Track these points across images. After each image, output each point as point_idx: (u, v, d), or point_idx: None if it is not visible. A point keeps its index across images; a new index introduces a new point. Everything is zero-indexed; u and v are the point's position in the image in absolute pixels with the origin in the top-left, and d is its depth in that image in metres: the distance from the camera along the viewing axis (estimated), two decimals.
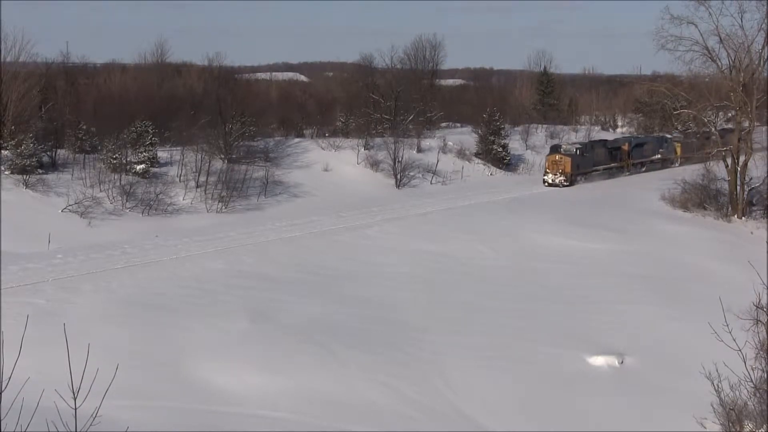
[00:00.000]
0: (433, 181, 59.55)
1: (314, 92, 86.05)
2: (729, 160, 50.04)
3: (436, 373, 23.34)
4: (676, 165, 68.86)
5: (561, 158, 58.94)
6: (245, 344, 24.10)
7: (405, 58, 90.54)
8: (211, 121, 54.87)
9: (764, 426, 14.54)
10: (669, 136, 73.00)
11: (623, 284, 32.89)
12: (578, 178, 59.60)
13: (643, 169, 67.11)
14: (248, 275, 31.76)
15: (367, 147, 61.77)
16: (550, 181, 58.47)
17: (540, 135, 78.83)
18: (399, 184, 57.42)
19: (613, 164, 64.34)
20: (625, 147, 65.97)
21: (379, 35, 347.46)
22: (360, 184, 55.64)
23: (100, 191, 43.35)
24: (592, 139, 70.51)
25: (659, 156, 69.32)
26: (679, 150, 70.85)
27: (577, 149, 60.35)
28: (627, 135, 75.55)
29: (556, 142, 72.90)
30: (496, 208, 48.02)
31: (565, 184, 58.03)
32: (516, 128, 77.69)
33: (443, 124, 78.68)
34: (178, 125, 55.62)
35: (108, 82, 71.57)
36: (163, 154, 51.55)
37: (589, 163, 61.11)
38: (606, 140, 68.15)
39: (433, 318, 27.65)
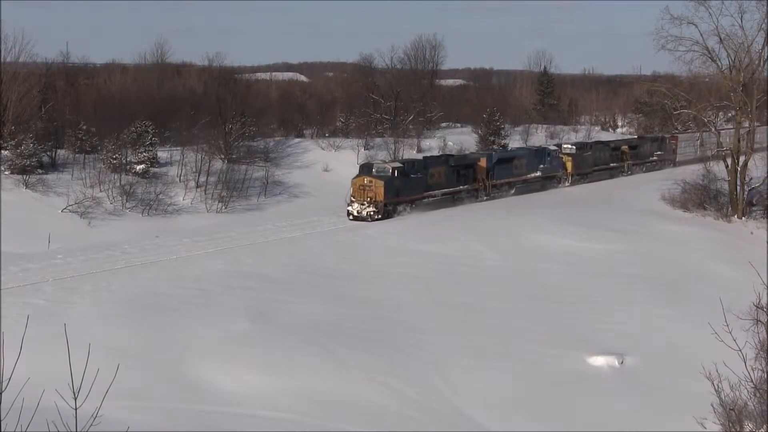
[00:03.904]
0: None
1: (314, 92, 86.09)
2: (729, 160, 50.02)
3: (436, 373, 23.33)
4: (567, 184, 57.90)
5: (371, 182, 43.74)
6: (245, 344, 24.09)
7: (405, 58, 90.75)
8: (211, 121, 54.95)
9: (764, 426, 14.54)
10: (553, 148, 59.13)
11: (623, 284, 32.87)
12: (398, 207, 44.70)
13: (512, 191, 53.20)
14: (248, 275, 31.73)
15: (367, 147, 61.82)
16: (355, 213, 43.28)
17: (540, 135, 78.91)
18: None
19: (461, 186, 49.36)
20: (482, 163, 51.01)
21: (379, 35, 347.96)
22: None
23: (100, 191, 43.38)
24: (430, 155, 55.03)
25: (539, 174, 55.83)
26: (569, 165, 58.33)
27: (394, 169, 44.67)
28: (490, 148, 61.25)
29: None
30: (496, 208, 47.98)
31: (376, 216, 43.06)
32: (516, 128, 77.77)
33: (443, 124, 78.78)
34: (178, 125, 55.69)
35: (108, 83, 71.63)
36: (163, 154, 51.60)
37: (417, 187, 46.06)
38: (450, 155, 52.86)
39: (433, 318, 27.64)
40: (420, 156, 55.88)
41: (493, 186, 51.38)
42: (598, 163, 61.89)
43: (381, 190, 43.59)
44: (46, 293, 27.94)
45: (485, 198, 50.62)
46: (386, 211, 43.73)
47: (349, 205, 43.92)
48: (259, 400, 20.99)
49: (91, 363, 7.71)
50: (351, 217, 43.34)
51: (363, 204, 43.38)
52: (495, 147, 62.93)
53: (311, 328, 25.77)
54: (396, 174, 44.50)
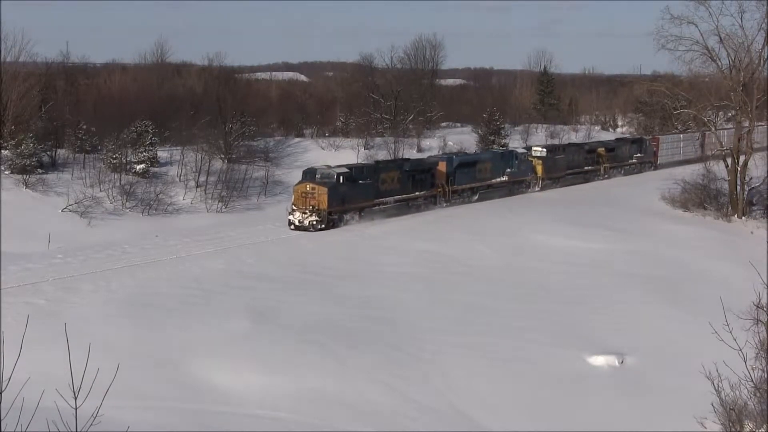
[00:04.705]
0: None
1: (314, 92, 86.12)
2: (729, 160, 50.04)
3: (436, 373, 23.33)
4: (537, 189, 55.53)
5: (314, 189, 40.92)
6: (245, 344, 24.09)
7: (405, 58, 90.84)
8: (211, 121, 54.96)
9: (764, 426, 14.55)
10: (521, 151, 56.31)
11: (623, 284, 32.87)
12: (345, 216, 41.97)
13: (475, 197, 50.45)
14: (248, 275, 31.76)
15: (367, 147, 61.84)
16: (296, 222, 40.53)
17: (540, 135, 78.91)
18: None
19: (417, 193, 46.47)
20: (442, 168, 48.13)
21: (379, 35, 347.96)
22: None
23: (100, 191, 43.38)
24: (383, 159, 50.99)
25: (505, 178, 52.98)
26: (540, 169, 55.84)
27: (340, 175, 41.59)
28: (447, 152, 56.84)
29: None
30: (496, 208, 48.00)
31: (319, 226, 40.28)
32: (516, 128, 77.81)
33: (443, 124, 78.82)
34: (178, 125, 55.69)
35: (108, 82, 71.67)
36: (163, 154, 51.61)
37: (366, 194, 43.05)
38: (406, 159, 49.48)
39: (433, 318, 27.64)
40: (419, 155, 55.72)
41: (453, 192, 48.67)
42: (572, 166, 59.58)
43: (324, 198, 40.62)
44: (46, 293, 27.95)
45: (445, 205, 47.92)
46: (331, 220, 40.94)
47: (290, 213, 41.20)
48: (259, 400, 20.98)
49: (91, 363, 7.72)
50: (292, 226, 40.53)
51: (305, 213, 40.58)
52: (456, 151, 59.16)
53: (311, 328, 25.77)
54: (342, 180, 41.46)
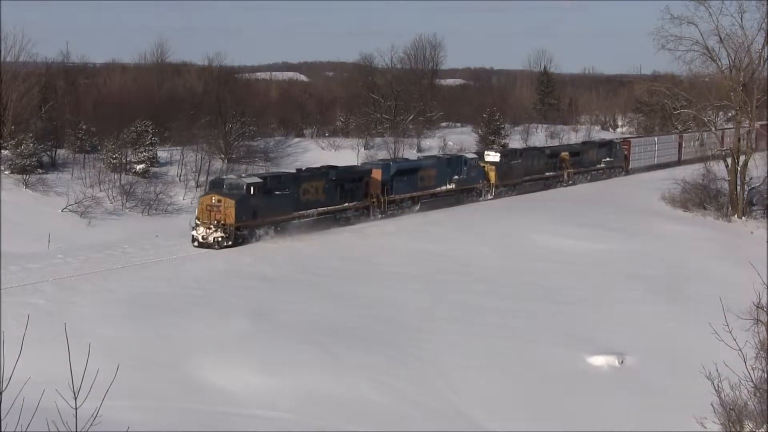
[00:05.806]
0: None
1: (314, 92, 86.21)
2: (729, 160, 50.06)
3: (436, 373, 23.33)
4: (489, 197, 51.69)
5: (220, 201, 36.25)
6: (245, 344, 24.10)
7: (405, 58, 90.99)
8: (211, 121, 55.01)
9: (764, 426, 14.54)
10: (471, 156, 52.00)
11: (623, 284, 32.86)
12: (257, 231, 37.32)
13: (416, 207, 46.12)
14: (248, 275, 31.75)
15: (367, 147, 61.91)
16: (200, 239, 35.97)
17: (540, 135, 78.94)
18: None
19: (347, 203, 42.01)
20: (376, 176, 43.70)
21: (379, 35, 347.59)
22: None
23: (100, 191, 43.41)
24: (308, 167, 44.87)
25: (452, 186, 48.84)
26: (493, 176, 51.88)
27: (250, 185, 36.94)
28: (384, 158, 53.06)
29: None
30: (496, 208, 47.99)
31: (225, 243, 35.82)
32: (516, 128, 77.89)
33: (443, 124, 78.91)
34: (178, 125, 55.73)
35: (108, 82, 71.74)
36: (163, 154, 51.65)
37: (284, 206, 38.42)
38: (332, 167, 43.17)
39: (433, 318, 27.64)
40: (419, 155, 55.49)
41: (390, 202, 44.35)
42: (531, 172, 55.78)
43: (231, 211, 36.05)
44: (46, 293, 27.95)
45: (380, 216, 43.52)
46: (239, 236, 36.43)
47: (193, 228, 36.55)
48: (259, 400, 20.99)
49: (91, 363, 7.72)
50: (195, 243, 36.04)
51: (209, 228, 36.01)
52: (399, 156, 55.71)
53: (311, 328, 25.77)
54: (253, 191, 36.77)
